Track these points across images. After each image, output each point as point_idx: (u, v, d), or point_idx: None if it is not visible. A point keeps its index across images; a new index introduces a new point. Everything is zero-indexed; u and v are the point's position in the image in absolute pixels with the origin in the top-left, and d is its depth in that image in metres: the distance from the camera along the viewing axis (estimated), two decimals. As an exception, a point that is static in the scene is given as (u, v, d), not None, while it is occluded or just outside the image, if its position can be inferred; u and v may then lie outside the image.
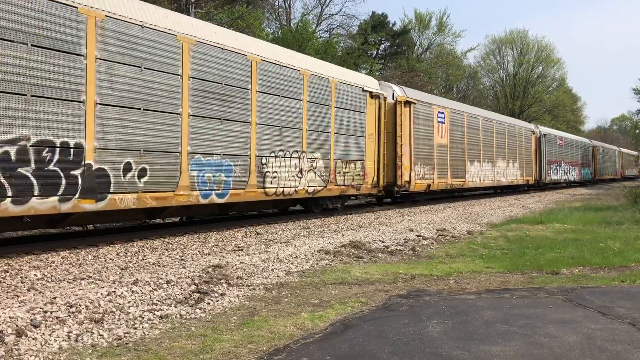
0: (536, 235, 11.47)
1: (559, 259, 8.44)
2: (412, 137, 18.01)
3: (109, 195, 8.49)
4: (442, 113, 20.37)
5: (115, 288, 5.80)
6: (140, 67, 8.96)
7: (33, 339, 4.33)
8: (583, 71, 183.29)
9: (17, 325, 4.49)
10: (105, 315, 4.96)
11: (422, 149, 18.84)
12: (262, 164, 11.72)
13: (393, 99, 17.29)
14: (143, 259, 7.83)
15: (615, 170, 58.08)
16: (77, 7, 8.00)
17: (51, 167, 7.63)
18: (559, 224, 13.44)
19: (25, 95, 7.36)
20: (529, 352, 4.05)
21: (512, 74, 63.17)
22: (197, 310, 5.35)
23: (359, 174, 15.22)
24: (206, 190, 10.29)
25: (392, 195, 18.04)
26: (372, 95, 15.94)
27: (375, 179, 15.97)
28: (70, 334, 4.48)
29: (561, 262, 8.10)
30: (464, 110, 23.13)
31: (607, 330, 4.57)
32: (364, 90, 15.60)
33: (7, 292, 5.70)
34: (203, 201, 10.25)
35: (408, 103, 17.81)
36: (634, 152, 76.88)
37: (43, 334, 4.44)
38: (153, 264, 7.50)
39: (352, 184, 14.89)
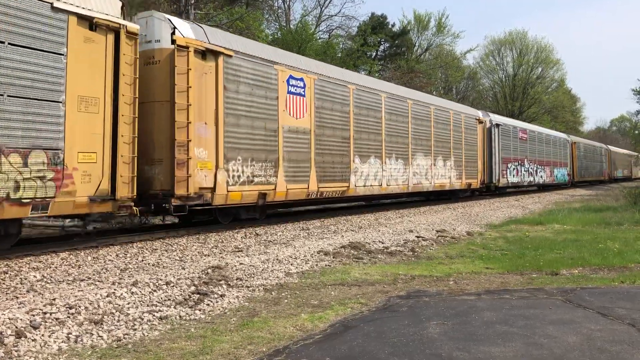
0: (536, 236, 11.47)
1: (559, 259, 8.44)
2: (223, 113, 10.72)
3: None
4: (300, 80, 13.01)
5: (114, 289, 5.80)
6: None
7: (32, 340, 4.32)
8: (582, 72, 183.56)
9: (16, 327, 4.49)
10: (105, 317, 4.95)
11: (250, 134, 11.46)
12: None
13: (172, 42, 9.90)
14: (142, 260, 7.83)
15: (602, 171, 50.68)
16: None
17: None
18: (559, 224, 13.44)
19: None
20: (528, 352, 4.04)
21: (512, 74, 63.28)
22: (197, 312, 5.35)
23: (38, 177, 7.73)
24: None
25: (163, 210, 10.11)
26: (93, 24, 8.49)
27: (107, 185, 8.66)
28: (69, 335, 4.48)
29: (561, 263, 8.10)
30: (350, 81, 15.12)
31: (606, 331, 4.56)
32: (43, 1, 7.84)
33: (6, 294, 5.70)
34: None
35: (212, 53, 10.56)
36: (626, 151, 69.57)
37: (42, 335, 4.44)
38: (152, 265, 7.49)
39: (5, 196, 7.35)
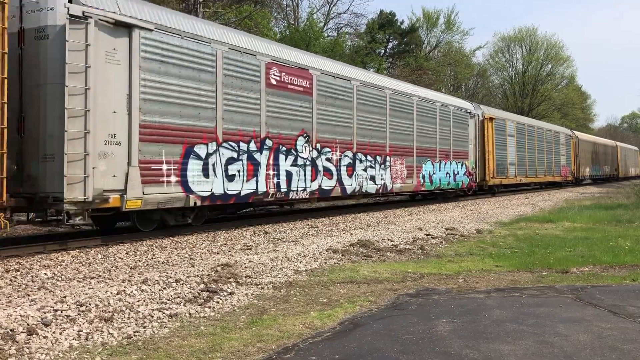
0: (546, 233, 11.40)
1: (569, 257, 8.38)
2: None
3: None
4: None
5: (124, 287, 5.83)
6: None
7: (44, 337, 4.35)
8: (593, 68, 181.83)
9: (27, 324, 4.52)
10: (115, 314, 4.98)
11: None
12: None
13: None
14: (152, 258, 7.86)
15: (558, 169, 32.93)
16: None
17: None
18: (569, 222, 13.35)
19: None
20: (539, 351, 4.02)
21: (521, 71, 62.94)
22: (206, 309, 5.36)
23: None
24: None
25: None
26: None
27: None
28: (80, 333, 4.50)
29: (571, 261, 8.05)
30: None
31: (618, 330, 4.53)
32: None
33: (18, 291, 5.75)
34: None
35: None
36: (609, 142, 50.80)
37: (54, 332, 4.47)
38: (162, 263, 7.53)
39: None
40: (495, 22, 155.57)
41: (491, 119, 23.64)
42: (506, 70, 64.26)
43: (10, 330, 4.37)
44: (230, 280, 6.46)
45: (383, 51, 42.64)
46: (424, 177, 18.09)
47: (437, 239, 10.54)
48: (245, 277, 6.73)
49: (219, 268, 7.04)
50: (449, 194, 21.05)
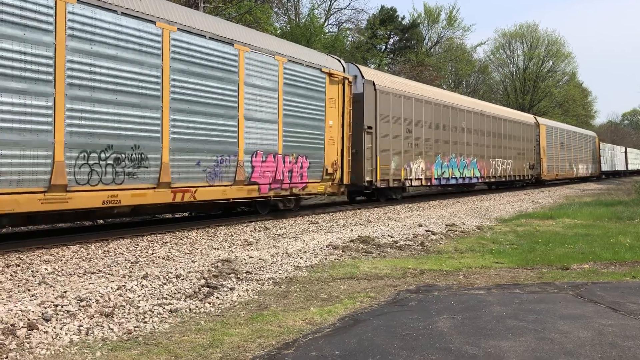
0: (546, 230, 11.40)
1: (569, 254, 8.38)
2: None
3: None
4: None
5: (125, 282, 5.83)
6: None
7: (44, 332, 4.36)
8: (594, 65, 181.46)
9: (28, 319, 4.53)
10: (116, 309, 4.98)
11: None
12: None
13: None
14: (153, 254, 7.87)
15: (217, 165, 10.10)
16: None
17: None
18: (569, 219, 13.35)
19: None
20: (539, 347, 4.02)
21: (522, 68, 62.85)
22: (207, 305, 5.37)
23: None
24: None
25: None
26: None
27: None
28: (80, 328, 4.51)
29: (571, 258, 8.05)
30: None
31: (618, 326, 4.53)
32: None
33: (18, 286, 5.75)
34: None
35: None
36: (524, 116, 29.73)
37: (54, 327, 4.47)
38: (163, 259, 7.53)
39: None
40: (496, 18, 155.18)
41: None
42: (507, 66, 64.27)
43: (11, 325, 4.37)
44: (230, 275, 6.46)
45: (384, 47, 42.57)
46: None
47: (438, 235, 10.54)
48: (246, 272, 6.73)
49: (219, 264, 7.04)
50: None
